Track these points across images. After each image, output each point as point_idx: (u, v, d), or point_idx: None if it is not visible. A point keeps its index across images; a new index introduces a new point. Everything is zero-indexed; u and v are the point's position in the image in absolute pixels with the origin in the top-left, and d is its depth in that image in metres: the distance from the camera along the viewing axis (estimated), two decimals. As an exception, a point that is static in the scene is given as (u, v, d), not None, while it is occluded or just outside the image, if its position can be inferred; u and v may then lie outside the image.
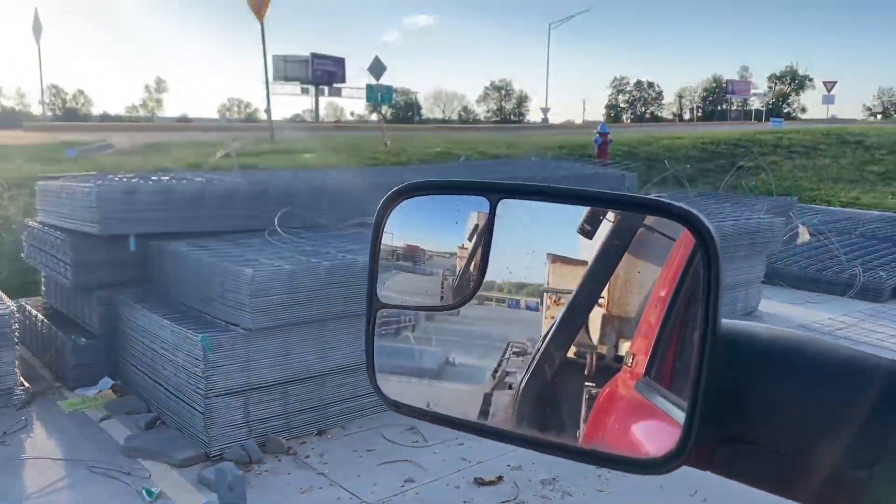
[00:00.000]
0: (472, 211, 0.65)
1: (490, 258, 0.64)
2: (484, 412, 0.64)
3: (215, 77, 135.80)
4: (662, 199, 0.59)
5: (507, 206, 0.64)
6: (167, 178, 6.77)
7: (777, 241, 8.23)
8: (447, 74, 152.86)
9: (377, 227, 0.69)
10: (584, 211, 0.61)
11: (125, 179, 6.47)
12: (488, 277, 0.64)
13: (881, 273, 8.37)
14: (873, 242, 9.94)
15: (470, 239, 0.66)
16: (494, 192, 0.64)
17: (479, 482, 4.43)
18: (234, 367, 4.69)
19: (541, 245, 0.65)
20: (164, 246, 5.68)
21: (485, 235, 0.64)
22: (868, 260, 8.88)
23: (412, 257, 0.70)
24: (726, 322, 0.60)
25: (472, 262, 0.65)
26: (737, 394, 0.58)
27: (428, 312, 0.69)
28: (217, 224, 6.13)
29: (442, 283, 0.68)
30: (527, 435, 0.62)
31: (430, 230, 0.71)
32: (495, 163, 11.58)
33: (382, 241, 0.69)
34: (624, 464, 0.58)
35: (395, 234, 0.70)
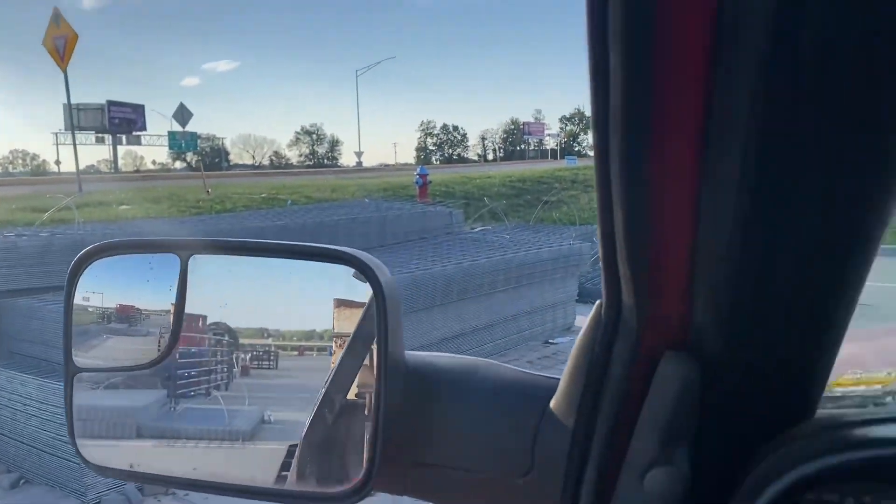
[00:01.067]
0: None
1: (194, 312, 0.63)
2: (286, 464, 0.62)
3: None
4: (343, 249, 0.61)
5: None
6: (10, 234, 6.57)
7: (585, 263, 9.00)
8: (254, 119, 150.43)
9: (69, 289, 0.67)
10: None
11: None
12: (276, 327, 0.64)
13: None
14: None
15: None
16: (184, 250, 0.64)
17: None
18: (107, 415, 4.74)
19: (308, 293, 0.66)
20: (13, 303, 5.57)
21: (178, 293, 0.64)
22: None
23: (126, 318, 0.67)
24: (412, 354, 0.65)
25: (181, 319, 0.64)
26: (422, 419, 0.62)
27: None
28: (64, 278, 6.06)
29: (159, 342, 0.66)
30: (227, 483, 0.62)
31: (142, 289, 0.68)
32: (331, 205, 11.61)
33: (91, 303, 0.67)
34: (322, 500, 0.62)
35: (106, 295, 0.68)
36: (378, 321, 0.59)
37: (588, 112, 0.48)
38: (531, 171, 25.64)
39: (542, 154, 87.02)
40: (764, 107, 0.44)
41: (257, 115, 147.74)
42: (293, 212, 10.64)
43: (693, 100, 0.46)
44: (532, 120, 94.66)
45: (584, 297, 9.19)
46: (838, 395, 0.71)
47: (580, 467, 0.62)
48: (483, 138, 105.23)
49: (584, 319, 0.64)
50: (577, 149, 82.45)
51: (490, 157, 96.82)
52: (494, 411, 0.64)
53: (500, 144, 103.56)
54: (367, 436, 0.59)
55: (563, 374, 0.65)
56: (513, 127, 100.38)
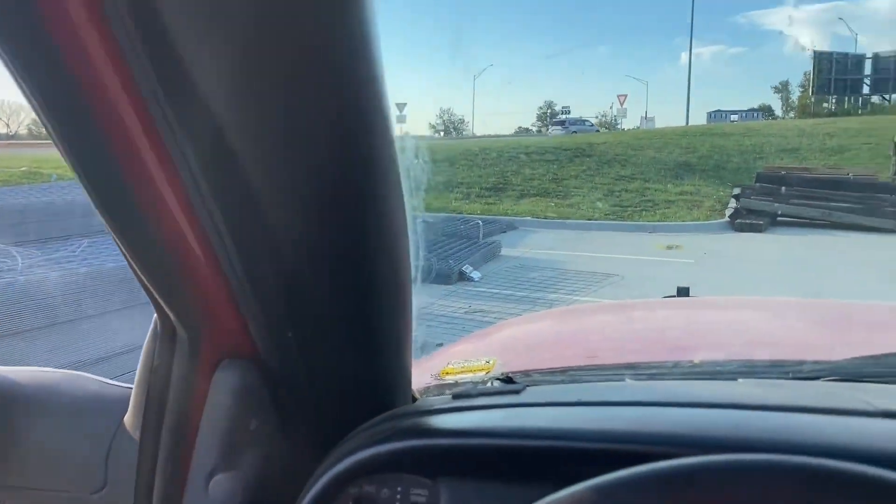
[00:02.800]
0: None
1: None
2: None
3: None
4: None
5: None
6: None
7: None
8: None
9: None
10: None
11: None
12: None
13: (450, 262, 9.26)
14: (443, 238, 11.00)
15: None
16: None
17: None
18: None
19: None
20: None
21: None
22: (440, 252, 9.81)
23: None
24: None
25: None
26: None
27: None
28: None
29: None
30: None
31: None
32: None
33: None
34: None
35: None
36: None
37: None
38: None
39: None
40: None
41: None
42: (60, 187, 9.73)
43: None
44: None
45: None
46: (451, 381, 0.86)
47: (149, 480, 0.63)
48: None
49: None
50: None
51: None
52: (71, 428, 0.66)
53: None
54: None
55: (133, 388, 0.67)
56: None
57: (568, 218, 13.77)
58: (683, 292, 2.13)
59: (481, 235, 11.48)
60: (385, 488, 0.65)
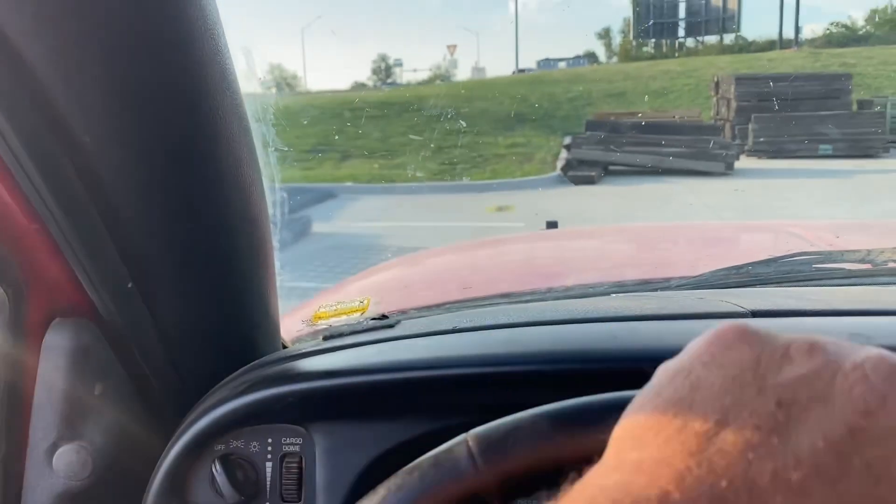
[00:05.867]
0: None
1: None
2: None
3: None
4: None
5: None
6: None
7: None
8: None
9: None
10: None
11: None
12: None
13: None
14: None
15: None
16: None
17: None
18: None
19: None
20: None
21: None
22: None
23: None
24: None
25: None
26: None
27: None
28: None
29: None
30: None
31: None
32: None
33: None
34: None
35: None
36: None
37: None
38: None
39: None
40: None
41: None
42: None
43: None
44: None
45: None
46: (324, 326, 0.80)
47: None
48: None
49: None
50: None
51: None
52: None
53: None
54: None
55: None
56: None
57: (393, 181, 12.74)
58: (552, 225, 2.15)
59: (286, 210, 9.95)
60: (255, 441, 0.62)
